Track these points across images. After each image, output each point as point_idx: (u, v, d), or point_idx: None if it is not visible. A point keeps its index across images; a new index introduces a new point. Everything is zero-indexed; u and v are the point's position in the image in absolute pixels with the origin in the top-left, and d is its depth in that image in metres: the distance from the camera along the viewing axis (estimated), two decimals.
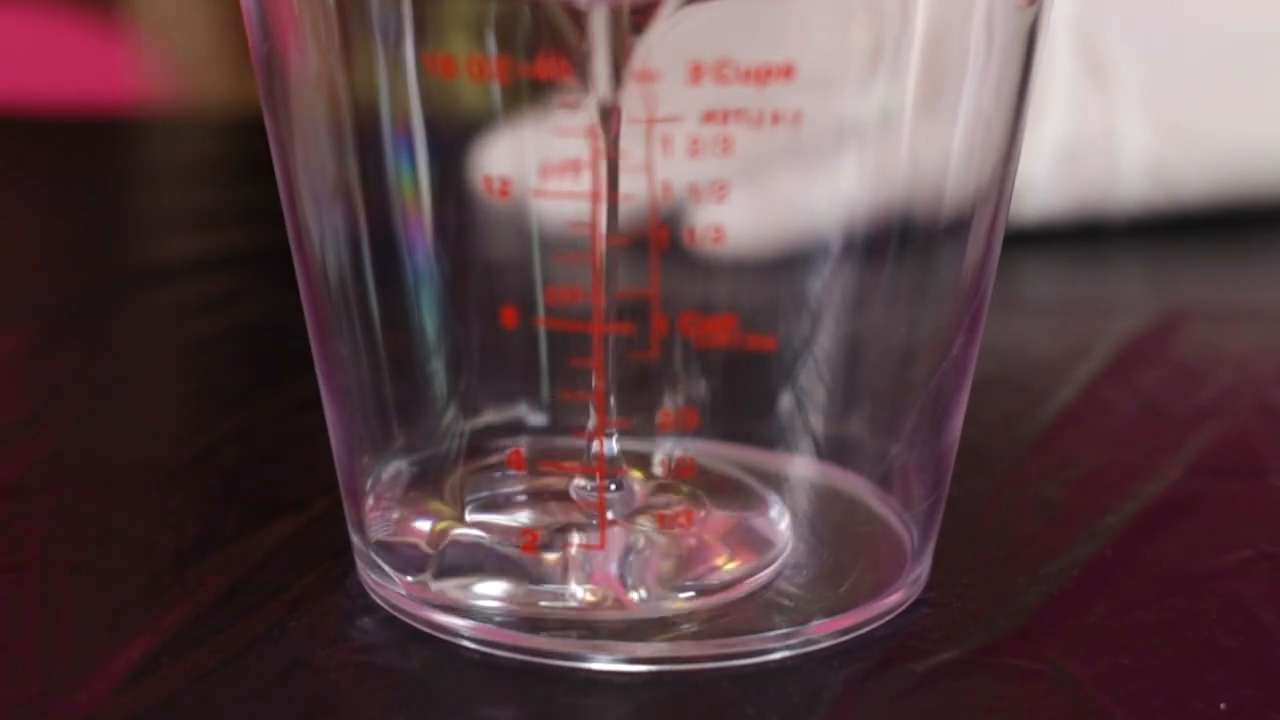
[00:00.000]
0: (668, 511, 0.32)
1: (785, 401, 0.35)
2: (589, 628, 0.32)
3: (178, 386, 0.46)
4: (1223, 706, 0.31)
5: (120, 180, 0.68)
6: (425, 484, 0.33)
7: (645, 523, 0.32)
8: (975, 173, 0.33)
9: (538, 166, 0.32)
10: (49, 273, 0.55)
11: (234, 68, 0.91)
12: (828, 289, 0.35)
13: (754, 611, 0.32)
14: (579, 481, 0.33)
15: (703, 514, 0.33)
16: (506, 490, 0.33)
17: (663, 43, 0.31)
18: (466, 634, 0.33)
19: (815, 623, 0.33)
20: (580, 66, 0.31)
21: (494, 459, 0.33)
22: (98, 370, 0.47)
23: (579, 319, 0.33)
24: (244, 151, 0.68)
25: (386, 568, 0.34)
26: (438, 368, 0.35)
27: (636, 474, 0.33)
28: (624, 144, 0.31)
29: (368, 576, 0.34)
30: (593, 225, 0.31)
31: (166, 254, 0.58)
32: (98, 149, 0.71)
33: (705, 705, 0.31)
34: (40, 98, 0.79)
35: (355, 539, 0.34)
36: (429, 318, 0.35)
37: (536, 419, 0.34)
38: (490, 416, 0.35)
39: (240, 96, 0.87)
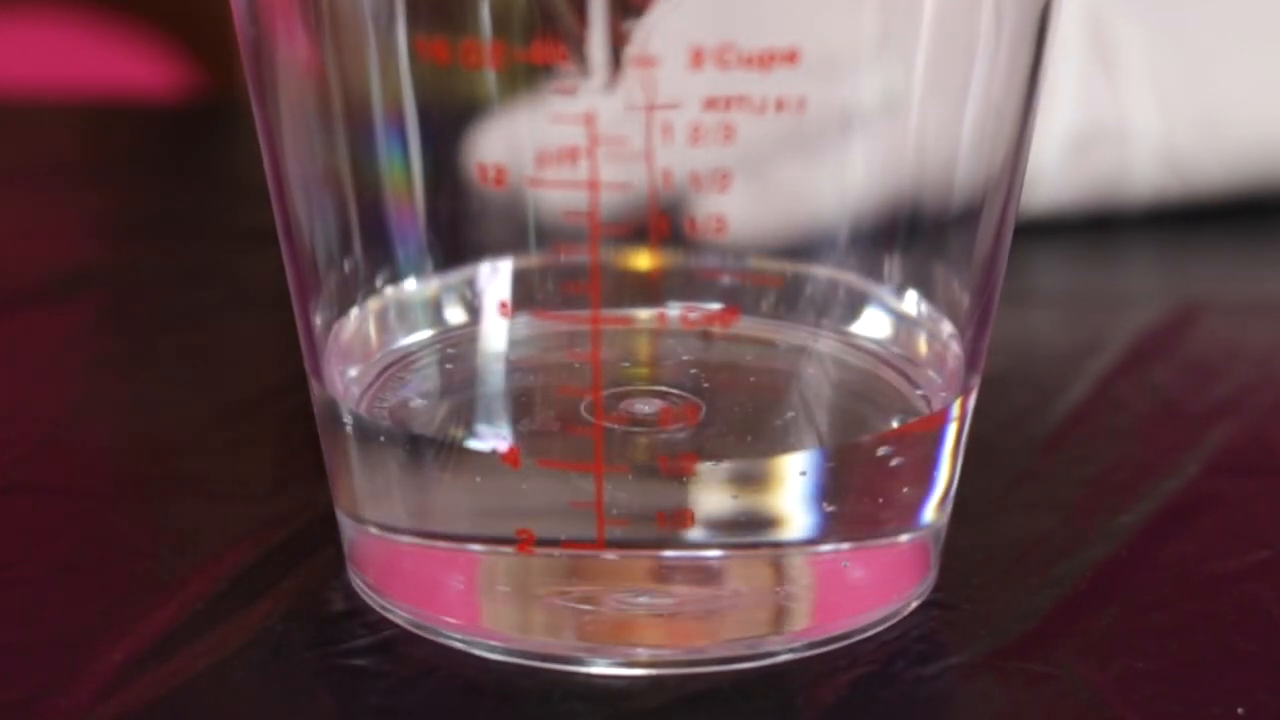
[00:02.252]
0: (667, 511, 0.32)
1: (790, 398, 0.34)
2: (586, 630, 0.32)
3: (161, 378, 0.45)
4: (1241, 711, 0.31)
5: (121, 168, 0.68)
6: (417, 478, 0.33)
7: (645, 520, 0.32)
8: (985, 162, 0.33)
9: (534, 154, 0.32)
10: (28, 260, 0.54)
11: None
12: (832, 281, 0.35)
13: (757, 613, 0.32)
14: (576, 479, 0.32)
15: (702, 529, 0.33)
16: (501, 487, 0.33)
17: (663, 26, 0.31)
18: (459, 636, 0.32)
19: (820, 625, 0.33)
20: (577, 51, 0.31)
21: (488, 454, 0.33)
22: (76, 361, 0.47)
23: (576, 311, 0.33)
24: None
25: (379, 578, 0.34)
26: (430, 361, 0.35)
27: (638, 467, 0.33)
28: (623, 131, 0.31)
29: (358, 578, 0.34)
30: (590, 215, 0.31)
31: (153, 242, 0.57)
32: (102, 136, 0.71)
33: (706, 710, 0.31)
34: (84, 87, 0.79)
35: (345, 537, 0.34)
36: (421, 310, 0.35)
37: (531, 412, 0.34)
38: (485, 410, 0.35)
39: None
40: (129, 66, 0.96)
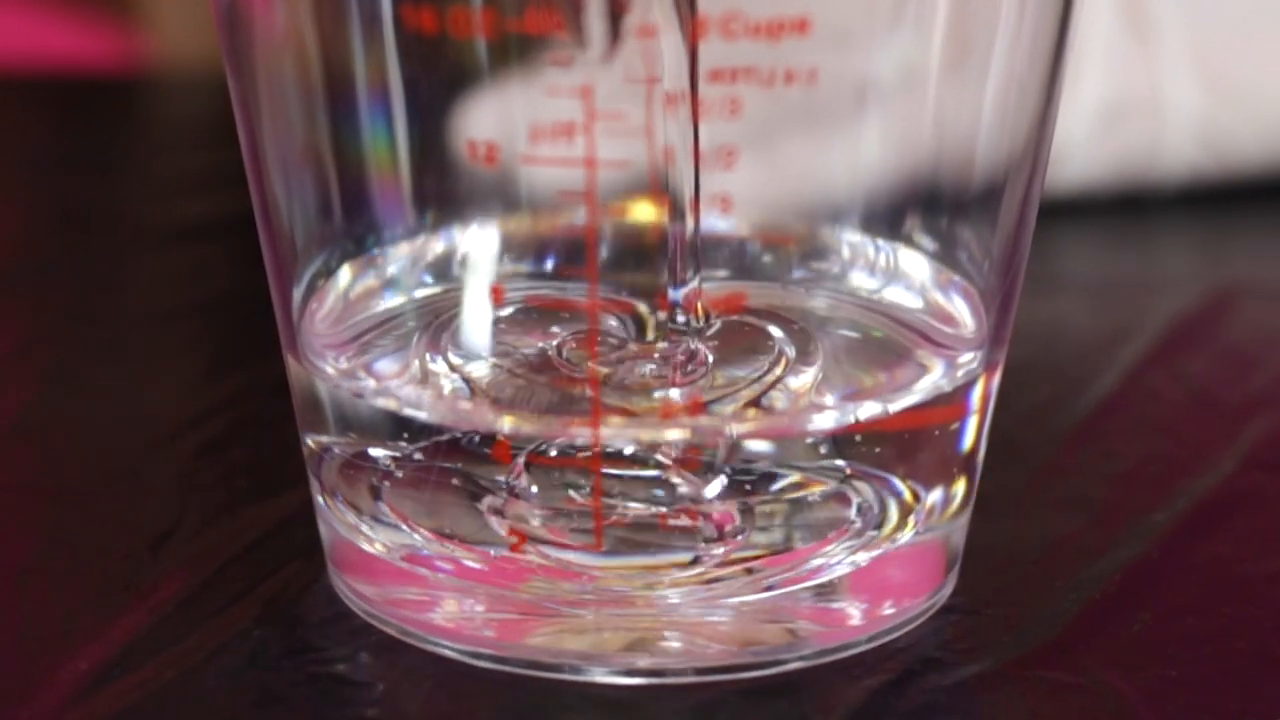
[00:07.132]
0: (669, 511, 0.32)
1: (797, 390, 0.34)
2: (584, 637, 0.32)
3: (131, 371, 0.46)
4: None
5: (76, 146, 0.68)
6: (408, 476, 0.33)
7: (646, 519, 0.32)
8: (1008, 137, 0.33)
9: (527, 130, 0.32)
10: None
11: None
12: (845, 265, 0.35)
13: (765, 618, 0.32)
14: (572, 475, 0.32)
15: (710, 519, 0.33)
16: (494, 487, 0.33)
17: None
18: (448, 643, 0.32)
19: (832, 631, 0.33)
20: (574, 20, 0.31)
21: (481, 452, 0.33)
22: (43, 354, 0.47)
23: (572, 297, 0.33)
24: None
25: (363, 581, 0.34)
26: (416, 348, 0.35)
27: (638, 462, 0.33)
28: (622, 106, 0.31)
29: (340, 581, 0.34)
30: (587, 194, 0.31)
31: (130, 226, 0.57)
32: (82, 112, 0.71)
33: None
34: (26, 59, 0.79)
35: (326, 537, 0.34)
36: (406, 293, 0.35)
37: (524, 405, 0.34)
38: (473, 403, 0.35)
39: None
40: (37, 32, 0.96)
